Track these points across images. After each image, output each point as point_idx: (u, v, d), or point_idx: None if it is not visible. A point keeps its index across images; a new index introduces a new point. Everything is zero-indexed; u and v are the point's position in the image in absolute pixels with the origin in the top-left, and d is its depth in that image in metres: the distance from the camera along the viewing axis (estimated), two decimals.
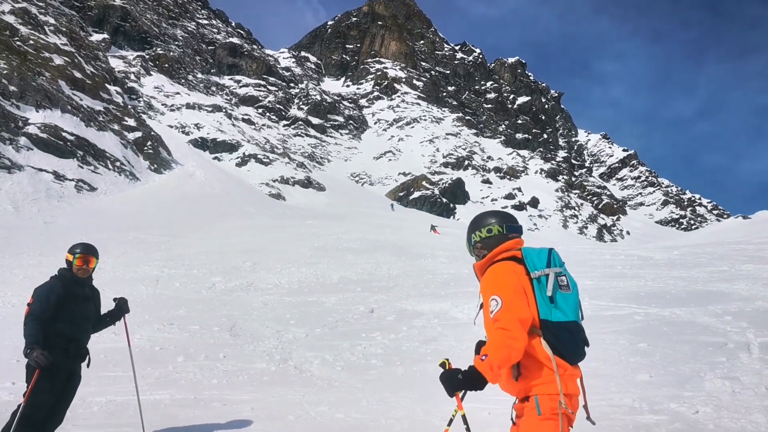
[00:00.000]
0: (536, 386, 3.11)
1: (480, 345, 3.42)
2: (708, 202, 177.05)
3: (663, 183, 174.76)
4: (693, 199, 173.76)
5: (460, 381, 2.98)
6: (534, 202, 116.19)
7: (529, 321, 3.04)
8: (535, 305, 3.11)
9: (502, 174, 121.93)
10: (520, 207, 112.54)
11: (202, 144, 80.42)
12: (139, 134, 55.47)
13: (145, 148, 54.57)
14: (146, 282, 17.49)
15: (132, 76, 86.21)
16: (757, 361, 8.44)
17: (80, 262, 5.39)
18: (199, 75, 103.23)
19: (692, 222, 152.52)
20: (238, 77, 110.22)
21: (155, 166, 53.73)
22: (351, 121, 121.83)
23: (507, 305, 3.02)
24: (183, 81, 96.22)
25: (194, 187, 53.33)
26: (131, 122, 56.63)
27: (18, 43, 47.17)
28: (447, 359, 3.38)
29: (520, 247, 3.36)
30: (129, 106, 63.42)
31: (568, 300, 3.17)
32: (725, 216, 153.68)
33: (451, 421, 3.66)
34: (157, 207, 40.68)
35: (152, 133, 58.38)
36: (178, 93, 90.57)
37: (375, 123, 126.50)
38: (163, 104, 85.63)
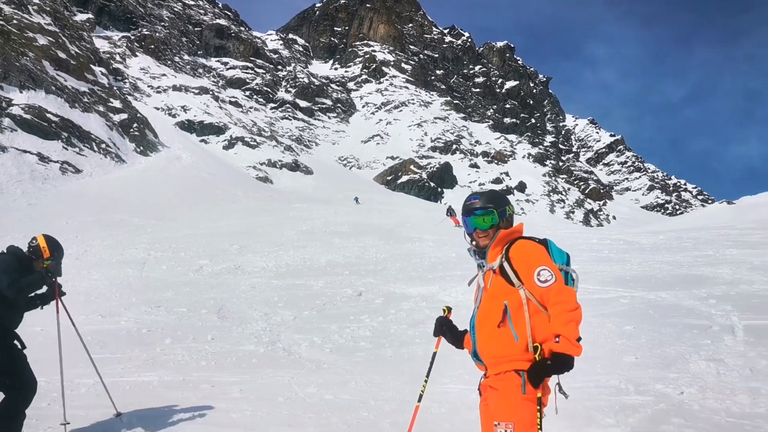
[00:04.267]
0: (525, 363, 3.14)
1: (441, 322, 3.74)
2: (693, 188, 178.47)
3: (649, 168, 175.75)
4: (678, 184, 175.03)
5: (550, 367, 3.01)
6: (521, 187, 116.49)
7: None
8: None
9: (489, 158, 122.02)
10: (508, 191, 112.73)
11: (188, 126, 79.80)
12: (124, 116, 54.92)
13: (131, 130, 54.07)
14: (133, 265, 17.40)
15: (117, 57, 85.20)
16: (741, 343, 8.54)
17: (46, 264, 5.20)
18: (186, 57, 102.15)
19: (677, 207, 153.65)
20: (225, 59, 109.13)
21: (141, 148, 53.29)
22: (339, 105, 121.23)
23: (560, 279, 3.15)
24: (169, 62, 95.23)
25: (181, 169, 52.98)
26: (117, 104, 56.04)
27: (1, 22, 46.41)
28: (447, 307, 3.84)
29: None
30: (114, 88, 62.76)
31: None
32: (710, 201, 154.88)
33: (420, 396, 3.98)
34: (144, 189, 40.39)
35: (138, 115, 57.83)
36: (164, 75, 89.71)
37: (363, 106, 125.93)
38: (149, 86, 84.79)
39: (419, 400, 3.99)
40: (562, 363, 2.96)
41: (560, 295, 3.07)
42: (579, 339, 3.03)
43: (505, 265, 3.26)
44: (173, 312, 11.89)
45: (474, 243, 3.50)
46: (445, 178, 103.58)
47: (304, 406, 6.59)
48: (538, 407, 3.08)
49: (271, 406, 6.50)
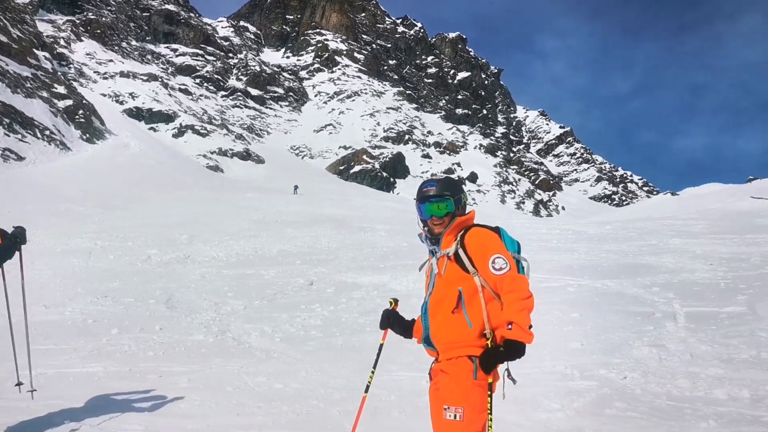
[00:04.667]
0: (477, 349, 3.15)
1: (387, 314, 3.75)
2: (639, 179, 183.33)
3: (597, 160, 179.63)
4: (625, 175, 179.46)
5: (503, 354, 3.01)
6: (473, 177, 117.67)
7: None
8: None
9: (441, 149, 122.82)
10: (460, 182, 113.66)
11: (137, 114, 78.03)
12: (69, 102, 53.37)
13: (77, 116, 52.60)
14: (78, 255, 16.96)
15: (62, 42, 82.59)
16: (682, 329, 8.83)
17: None
18: (134, 42, 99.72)
19: (624, 198, 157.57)
20: (174, 46, 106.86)
21: (87, 135, 51.92)
22: (291, 93, 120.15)
23: (514, 267, 3.20)
24: (116, 48, 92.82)
25: (129, 158, 51.84)
26: (61, 89, 54.42)
27: None
28: (394, 299, 3.84)
29: None
30: (59, 73, 60.90)
31: None
32: (655, 192, 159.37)
33: (367, 387, 4.04)
34: (90, 178, 39.39)
35: (84, 101, 56.27)
36: (111, 60, 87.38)
37: (315, 95, 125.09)
38: (95, 72, 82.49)
39: (366, 391, 4.01)
40: (515, 350, 2.97)
41: (514, 283, 3.09)
42: (530, 327, 3.05)
43: (460, 251, 3.27)
44: (120, 302, 11.63)
45: (427, 230, 3.48)
46: (397, 168, 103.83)
47: (254, 396, 6.54)
48: (489, 393, 3.10)
49: (219, 395, 6.43)
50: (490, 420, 3.08)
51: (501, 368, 3.28)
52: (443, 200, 3.41)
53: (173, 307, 11.53)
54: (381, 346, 4.05)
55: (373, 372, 4.09)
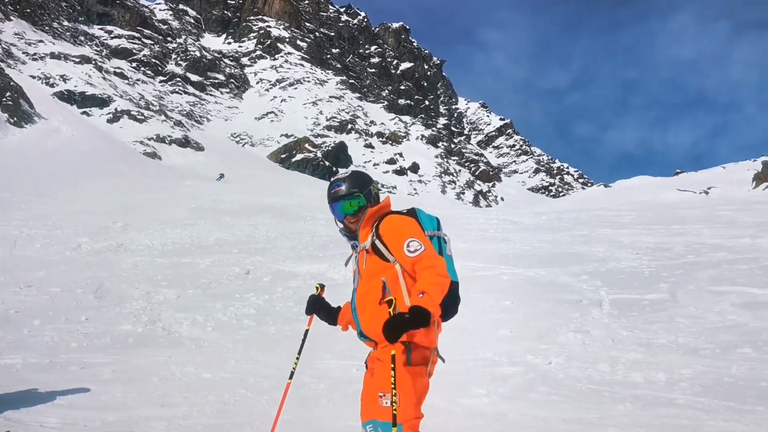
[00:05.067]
0: (412, 335, 3.11)
1: (313, 300, 3.77)
2: (575, 171, 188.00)
3: (536, 152, 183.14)
4: (561, 168, 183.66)
5: (408, 320, 2.85)
6: (414, 168, 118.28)
7: None
8: None
9: (384, 139, 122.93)
10: (401, 172, 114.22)
11: (68, 97, 75.13)
12: None
13: (4, 99, 50.39)
14: (2, 243, 16.27)
15: None
16: (606, 316, 9.13)
17: None
18: (66, 23, 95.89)
19: (560, 189, 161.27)
20: (109, 27, 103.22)
21: (15, 119, 49.82)
22: (232, 80, 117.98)
23: (429, 248, 3.13)
24: (47, 28, 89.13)
25: (60, 142, 50.03)
26: None
27: None
28: (320, 284, 3.88)
29: None
30: None
31: (451, 263, 3.34)
32: (589, 184, 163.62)
33: (292, 374, 3.99)
34: (17, 163, 37.86)
35: (12, 83, 53.95)
36: (41, 41, 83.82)
37: (257, 83, 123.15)
38: (24, 52, 78.98)
39: (290, 377, 3.99)
40: (420, 317, 2.86)
41: (431, 260, 3.07)
42: (442, 311, 3.05)
43: (377, 242, 3.28)
44: (45, 292, 11.24)
45: (344, 227, 3.52)
46: (340, 157, 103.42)
47: (180, 386, 6.44)
48: (393, 365, 3.04)
49: (144, 386, 6.30)
50: (395, 394, 3.01)
51: (438, 352, 3.28)
52: (353, 198, 3.42)
53: (102, 297, 11.22)
54: (306, 331, 4.04)
55: (297, 358, 4.08)
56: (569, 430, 5.22)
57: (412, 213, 3.43)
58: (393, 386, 3.01)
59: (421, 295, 2.92)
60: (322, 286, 3.88)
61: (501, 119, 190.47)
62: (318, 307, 3.75)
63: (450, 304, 3.28)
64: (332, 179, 3.59)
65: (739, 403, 5.61)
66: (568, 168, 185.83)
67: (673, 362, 6.88)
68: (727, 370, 6.52)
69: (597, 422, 5.37)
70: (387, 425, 3.02)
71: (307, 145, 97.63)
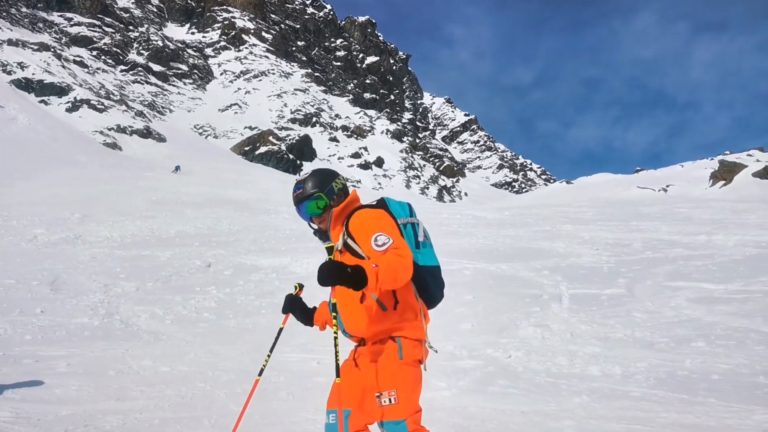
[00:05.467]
0: (401, 329, 3.08)
1: (290, 299, 3.64)
2: (538, 167, 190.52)
3: (499, 148, 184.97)
4: (525, 164, 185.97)
5: (343, 274, 2.72)
6: (379, 162, 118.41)
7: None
8: None
9: (349, 133, 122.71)
10: (366, 166, 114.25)
11: (26, 85, 73.21)
12: None
13: None
14: None
15: None
16: (566, 310, 9.26)
17: None
18: (24, 9, 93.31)
19: (523, 185, 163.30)
20: (69, 15, 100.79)
21: None
22: (195, 71, 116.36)
23: (398, 241, 2.98)
24: (5, 14, 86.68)
25: (16, 131, 48.77)
26: None
27: None
28: (299, 284, 3.78)
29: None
30: None
31: (429, 247, 3.27)
32: (552, 181, 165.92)
33: (261, 370, 3.88)
34: None
35: None
36: None
37: (221, 74, 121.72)
38: None
39: (260, 374, 3.91)
40: (359, 276, 2.71)
41: (398, 250, 2.92)
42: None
43: (349, 241, 3.16)
44: None
45: (315, 228, 3.39)
46: (304, 150, 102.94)
47: (137, 379, 6.34)
48: (335, 334, 3.04)
49: (100, 380, 6.18)
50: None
51: (430, 344, 3.23)
52: (314, 198, 3.31)
53: (58, 289, 10.97)
54: (280, 330, 3.93)
55: (269, 356, 3.99)
56: (527, 423, 5.28)
57: (381, 204, 3.33)
58: (336, 362, 3.03)
59: (374, 266, 2.77)
60: (301, 286, 3.79)
61: (466, 115, 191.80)
62: (295, 306, 3.64)
63: (435, 289, 3.25)
64: (295, 182, 3.44)
65: (691, 395, 5.75)
66: (531, 164, 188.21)
67: (629, 356, 7.01)
68: (681, 363, 6.67)
69: (554, 414, 5.44)
70: (393, 424, 2.97)
71: (271, 138, 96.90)
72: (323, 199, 3.30)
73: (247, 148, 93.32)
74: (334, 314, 3.20)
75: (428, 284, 3.21)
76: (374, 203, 3.35)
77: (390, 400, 2.98)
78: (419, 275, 3.13)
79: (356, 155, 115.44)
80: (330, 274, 2.72)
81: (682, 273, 11.29)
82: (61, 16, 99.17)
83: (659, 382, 6.14)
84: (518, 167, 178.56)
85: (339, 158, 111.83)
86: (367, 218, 3.15)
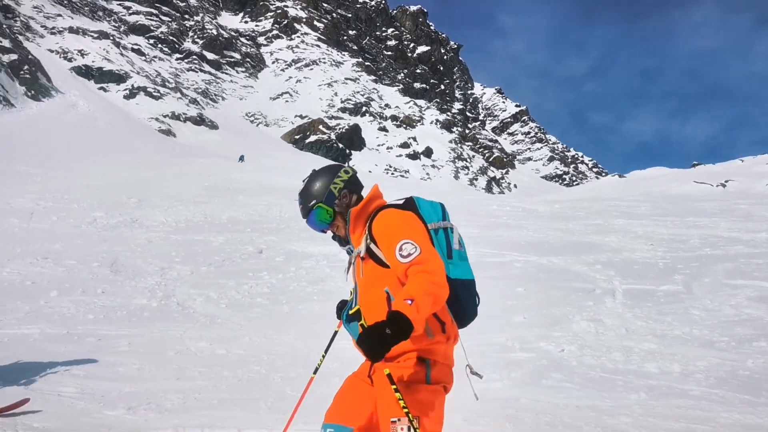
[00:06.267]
0: (433, 351, 2.70)
1: (342, 305, 3.25)
2: (589, 160, 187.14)
3: (550, 140, 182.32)
4: (576, 156, 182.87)
5: (390, 336, 2.37)
6: (428, 152, 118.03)
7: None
8: None
9: (398, 122, 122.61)
10: (414, 156, 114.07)
11: (86, 72, 75.38)
12: (14, 57, 51.33)
13: (22, 72, 50.65)
14: (19, 215, 16.41)
15: None
16: (620, 305, 9.10)
17: None
18: None
19: (574, 178, 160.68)
20: (128, 3, 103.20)
21: (33, 92, 50.11)
22: (248, 59, 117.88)
23: (427, 249, 2.60)
24: (66, 2, 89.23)
25: (76, 117, 50.29)
26: (6, 43, 52.26)
27: None
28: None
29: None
30: (4, 26, 58.36)
31: (464, 257, 2.89)
32: (603, 174, 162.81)
33: (316, 369, 3.67)
34: (34, 136, 38.08)
35: (30, 56, 54.22)
36: (60, 15, 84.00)
37: (273, 62, 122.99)
38: (42, 26, 79.23)
39: (315, 372, 3.80)
40: (401, 328, 2.37)
41: (427, 264, 2.54)
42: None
43: (372, 246, 2.77)
44: (61, 264, 11.33)
45: (333, 234, 3.05)
46: (353, 139, 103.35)
47: (195, 360, 6.50)
48: (394, 386, 2.56)
49: (160, 359, 6.36)
50: (412, 419, 2.54)
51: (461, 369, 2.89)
52: (316, 209, 2.96)
53: (117, 271, 11.30)
54: (335, 333, 3.74)
55: (324, 356, 3.84)
56: (582, 417, 5.22)
57: (410, 204, 2.90)
58: (405, 409, 2.54)
59: (409, 302, 2.40)
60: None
61: (517, 106, 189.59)
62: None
63: (468, 305, 2.84)
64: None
65: (754, 395, 5.60)
66: (582, 157, 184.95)
67: (687, 354, 6.85)
68: (742, 363, 6.50)
69: (610, 410, 5.37)
70: None
71: (321, 127, 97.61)
72: (323, 208, 2.94)
73: (297, 137, 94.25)
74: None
75: (461, 300, 2.79)
76: (401, 202, 2.92)
77: (410, 428, 2.55)
78: (451, 289, 2.67)
79: (405, 145, 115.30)
80: (375, 348, 2.37)
81: (742, 271, 10.95)
82: (120, 4, 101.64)
83: (720, 382, 5.99)
84: (569, 160, 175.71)
85: (388, 148, 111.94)
86: (392, 221, 2.76)
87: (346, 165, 3.11)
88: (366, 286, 2.82)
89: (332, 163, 2.94)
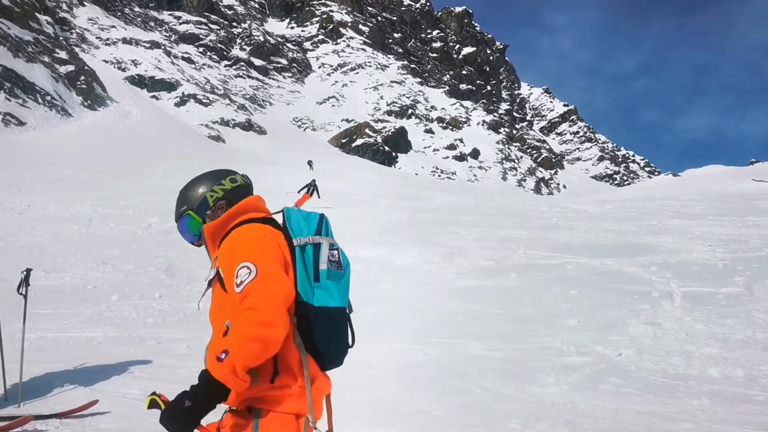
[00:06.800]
0: (265, 398, 2.13)
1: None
2: (641, 159, 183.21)
3: (600, 139, 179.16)
4: (627, 155, 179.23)
5: (194, 411, 1.98)
6: (475, 154, 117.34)
7: (292, 298, 2.13)
8: (294, 282, 2.20)
9: (444, 124, 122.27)
10: (461, 158, 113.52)
11: (139, 81, 77.47)
12: (71, 68, 53.04)
13: (78, 82, 52.29)
14: (79, 221, 16.98)
15: (64, 6, 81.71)
16: (678, 308, 8.88)
17: None
18: (137, 9, 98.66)
19: (625, 178, 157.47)
20: (178, 13, 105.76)
21: (89, 102, 51.67)
22: (294, 64, 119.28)
23: (263, 274, 2.07)
24: (119, 14, 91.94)
25: (130, 125, 51.67)
26: (63, 55, 54.05)
27: None
28: (155, 395, 2.17)
29: (264, 206, 2.53)
30: (60, 38, 60.39)
31: (337, 280, 2.33)
32: (656, 173, 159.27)
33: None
34: (91, 145, 39.29)
35: (86, 67, 55.97)
36: (113, 26, 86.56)
37: (319, 67, 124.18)
38: (97, 38, 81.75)
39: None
40: (210, 392, 1.98)
41: (255, 298, 2.01)
42: (251, 372, 2.02)
43: (220, 270, 2.24)
44: (120, 269, 11.68)
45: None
46: (399, 142, 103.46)
47: None
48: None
49: None
50: None
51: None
52: (187, 218, 2.50)
53: (173, 275, 11.58)
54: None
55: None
56: (642, 423, 5.12)
57: (275, 218, 2.47)
58: None
59: (223, 356, 1.94)
60: (158, 396, 2.35)
61: (565, 105, 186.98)
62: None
63: (330, 340, 2.23)
64: None
65: None
66: (633, 156, 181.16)
67: (751, 358, 6.65)
68: None
69: (672, 416, 5.25)
70: None
71: (367, 130, 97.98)
72: (193, 218, 2.47)
73: (344, 141, 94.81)
74: None
75: (321, 334, 2.19)
76: (262, 218, 2.42)
77: None
78: (309, 321, 2.17)
79: (451, 147, 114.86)
80: (180, 427, 2.00)
81: None
82: (170, 14, 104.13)
83: None
84: (620, 159, 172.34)
85: (434, 150, 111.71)
86: (238, 239, 2.25)
87: (241, 173, 2.64)
88: (213, 317, 2.32)
89: (222, 168, 2.33)
